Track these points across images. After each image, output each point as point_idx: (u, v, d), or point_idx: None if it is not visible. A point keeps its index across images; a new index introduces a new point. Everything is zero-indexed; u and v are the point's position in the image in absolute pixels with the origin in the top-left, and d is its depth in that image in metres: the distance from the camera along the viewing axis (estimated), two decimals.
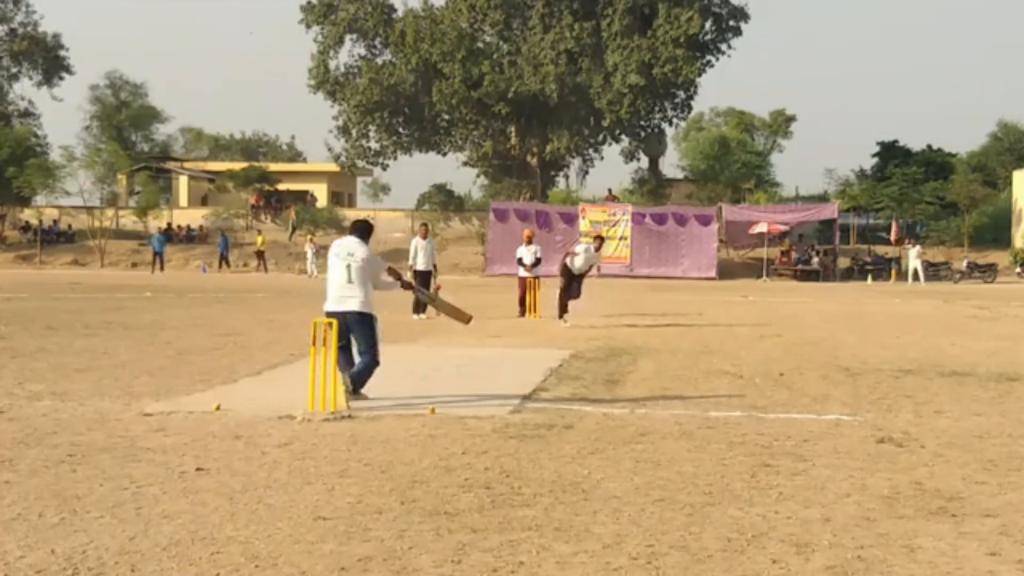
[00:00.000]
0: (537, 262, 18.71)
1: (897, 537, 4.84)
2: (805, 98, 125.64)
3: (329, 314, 8.28)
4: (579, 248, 17.75)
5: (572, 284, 17.02)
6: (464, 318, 10.07)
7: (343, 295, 8.39)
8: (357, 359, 8.47)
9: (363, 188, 63.89)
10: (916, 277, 37.43)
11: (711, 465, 6.29)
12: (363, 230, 8.75)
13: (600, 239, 18.66)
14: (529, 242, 19.12)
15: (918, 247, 38.57)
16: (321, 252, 40.63)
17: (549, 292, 18.58)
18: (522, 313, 18.44)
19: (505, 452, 6.58)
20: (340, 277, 8.41)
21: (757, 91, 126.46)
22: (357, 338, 8.46)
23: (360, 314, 8.37)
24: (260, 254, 42.25)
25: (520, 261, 18.81)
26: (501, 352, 12.65)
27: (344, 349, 8.34)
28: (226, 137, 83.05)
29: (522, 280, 18.72)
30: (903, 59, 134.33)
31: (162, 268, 40.61)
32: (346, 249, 8.53)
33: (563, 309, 16.82)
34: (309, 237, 41.85)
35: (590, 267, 17.47)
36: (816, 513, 5.24)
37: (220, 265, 42.04)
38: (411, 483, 5.74)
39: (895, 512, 5.29)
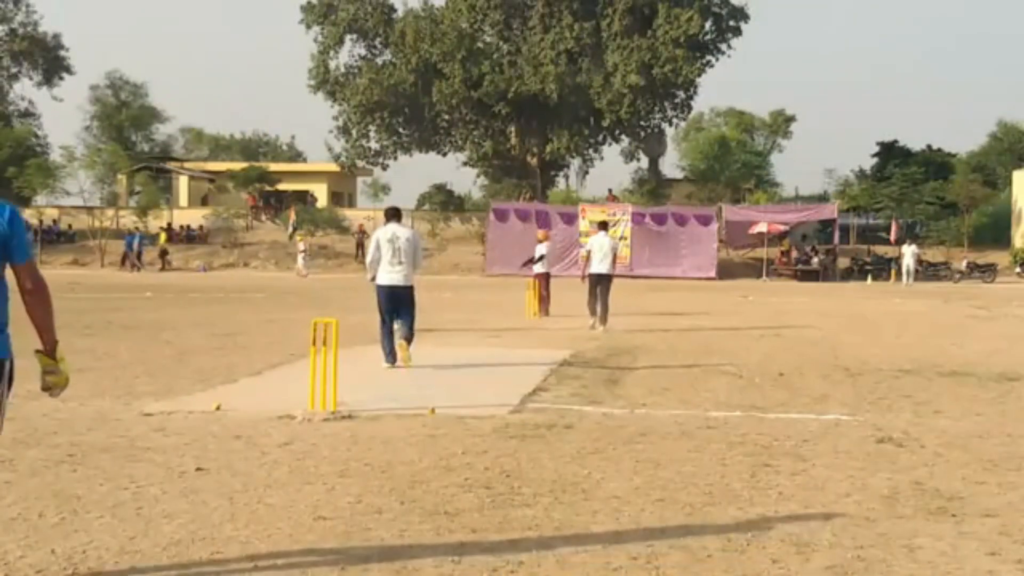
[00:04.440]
0: (540, 259, 18.91)
1: (897, 537, 4.84)
2: (805, 98, 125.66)
3: (380, 286, 10.59)
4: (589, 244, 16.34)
5: (595, 288, 15.67)
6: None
7: (392, 271, 10.56)
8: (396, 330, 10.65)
9: (363, 188, 63.79)
10: (908, 276, 37.26)
11: (711, 465, 6.29)
12: (400, 214, 11.12)
13: (602, 224, 17.40)
14: (540, 243, 19.47)
15: (913, 246, 38.40)
16: (314, 252, 40.76)
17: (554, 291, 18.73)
18: (546, 312, 18.54)
19: (505, 452, 6.58)
20: (391, 257, 10.53)
21: (757, 91, 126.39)
22: (402, 307, 10.63)
23: (406, 287, 10.64)
24: (164, 252, 42.01)
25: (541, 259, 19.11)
26: (501, 352, 12.65)
27: (389, 318, 10.61)
28: (226, 137, 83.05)
29: (538, 277, 18.90)
30: (903, 59, 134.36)
31: (132, 266, 40.52)
32: (392, 233, 10.62)
33: (591, 312, 15.68)
34: (300, 237, 41.65)
35: (611, 259, 15.81)
36: (816, 513, 5.24)
37: (126, 263, 40.87)
38: (411, 483, 5.74)
39: (895, 512, 5.29)
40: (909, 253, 37.74)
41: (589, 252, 16.07)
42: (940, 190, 44.79)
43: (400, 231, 10.74)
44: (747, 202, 46.88)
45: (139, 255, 41.19)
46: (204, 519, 4.97)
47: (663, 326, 16.84)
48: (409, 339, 10.66)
